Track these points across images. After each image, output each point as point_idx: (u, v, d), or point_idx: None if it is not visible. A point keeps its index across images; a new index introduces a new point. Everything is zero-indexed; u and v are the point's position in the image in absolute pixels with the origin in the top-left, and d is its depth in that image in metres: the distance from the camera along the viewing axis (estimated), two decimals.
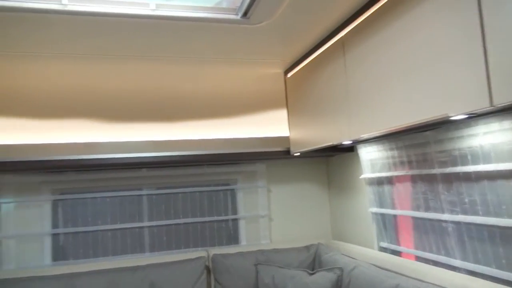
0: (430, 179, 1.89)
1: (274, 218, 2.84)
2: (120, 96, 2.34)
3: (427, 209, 1.92)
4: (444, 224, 1.81)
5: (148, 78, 2.40)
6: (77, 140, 2.23)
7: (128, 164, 2.40)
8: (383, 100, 1.56)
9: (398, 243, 2.18)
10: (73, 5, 1.55)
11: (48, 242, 2.45)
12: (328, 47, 2.04)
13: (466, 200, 1.68)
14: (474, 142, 1.62)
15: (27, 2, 1.50)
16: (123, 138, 2.32)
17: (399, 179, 2.12)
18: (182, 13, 1.69)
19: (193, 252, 2.53)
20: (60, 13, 1.57)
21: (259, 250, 2.53)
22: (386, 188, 2.22)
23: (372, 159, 2.33)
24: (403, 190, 2.09)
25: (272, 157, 2.61)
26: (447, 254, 1.82)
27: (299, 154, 2.52)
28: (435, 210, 1.86)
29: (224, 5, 1.74)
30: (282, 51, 2.26)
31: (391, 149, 2.13)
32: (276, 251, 2.53)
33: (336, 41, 1.95)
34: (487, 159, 1.56)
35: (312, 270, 2.44)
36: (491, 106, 1.06)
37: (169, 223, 2.66)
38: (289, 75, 2.57)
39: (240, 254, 2.49)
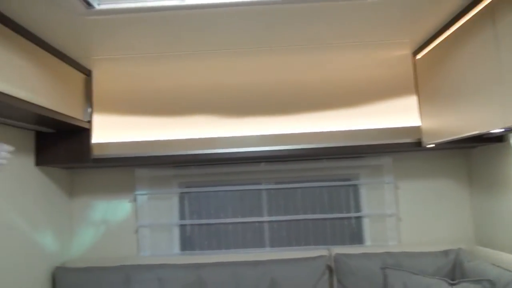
0: None
1: (403, 217, 2.55)
2: (241, 91, 2.34)
3: None
4: None
5: (266, 71, 2.35)
6: (201, 136, 2.30)
7: (248, 158, 2.39)
8: None
9: None
10: None
11: (176, 232, 2.60)
12: (470, 18, 1.70)
13: None
14: None
15: (147, 1, 1.55)
16: (243, 132, 2.31)
17: None
18: None
19: (313, 250, 2.41)
20: (179, 8, 1.59)
21: (386, 252, 2.29)
22: None
23: None
24: None
25: (399, 149, 2.34)
26: None
27: (433, 145, 2.19)
28: None
29: None
30: (409, 28, 1.97)
31: None
32: (406, 254, 2.26)
33: (482, 9, 1.61)
34: None
35: (452, 279, 2.11)
36: None
37: (288, 218, 2.59)
38: (418, 56, 2.26)
39: (365, 255, 2.29)
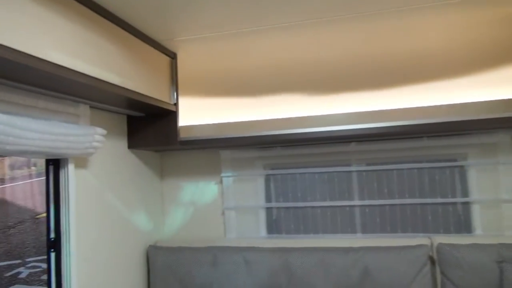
0: None
1: None
2: (328, 65, 2.17)
3: None
4: None
5: (354, 42, 2.14)
6: (286, 115, 2.19)
7: (336, 138, 2.22)
8: None
9: None
10: None
11: (262, 215, 2.54)
12: None
13: None
14: None
15: None
16: (330, 110, 2.15)
17: None
18: None
19: (412, 238, 2.18)
20: None
21: (502, 244, 1.97)
22: None
23: None
24: None
25: None
26: None
27: None
28: None
29: None
30: None
31: None
32: None
33: None
34: None
35: None
36: None
37: (382, 203, 2.37)
38: None
39: (475, 246, 2.00)
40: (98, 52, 1.61)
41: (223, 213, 2.57)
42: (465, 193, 2.28)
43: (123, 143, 2.27)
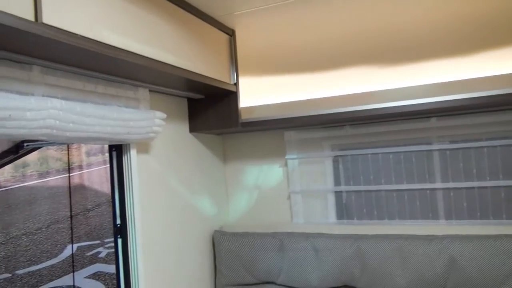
0: None
1: None
2: (400, 33, 1.93)
3: None
4: None
5: (429, 5, 1.86)
6: (356, 91, 1.99)
7: (413, 113, 1.98)
8: None
9: None
10: None
11: (331, 199, 2.37)
12: None
13: None
14: None
15: None
16: (405, 83, 1.91)
17: None
18: None
19: (508, 225, 1.90)
20: None
21: None
22: None
23: None
24: None
25: None
26: None
27: None
28: None
29: None
30: None
31: None
32: None
33: None
34: None
35: None
36: None
37: (470, 185, 2.08)
38: None
39: None
40: (153, 32, 1.53)
41: (289, 197, 2.45)
42: None
43: (184, 127, 2.22)
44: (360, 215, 2.33)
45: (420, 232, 2.00)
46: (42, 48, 1.17)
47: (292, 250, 2.14)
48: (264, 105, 2.16)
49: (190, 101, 2.26)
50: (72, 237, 7.83)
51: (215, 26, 2.03)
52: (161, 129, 1.79)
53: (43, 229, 8.22)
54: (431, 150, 2.16)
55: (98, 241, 7.62)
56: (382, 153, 2.26)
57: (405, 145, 2.20)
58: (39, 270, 6.47)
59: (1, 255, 6.96)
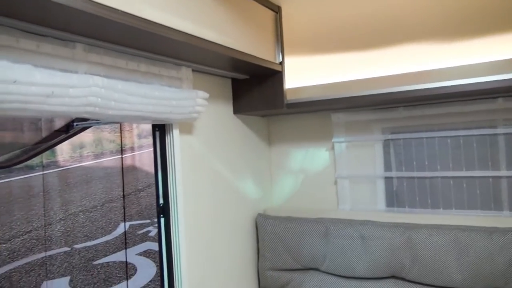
0: None
1: None
2: (457, 9, 1.74)
3: None
4: None
5: None
6: (410, 69, 1.84)
7: (475, 93, 1.80)
8: None
9: None
10: None
11: (381, 186, 2.24)
12: None
13: None
14: None
15: None
16: (467, 60, 1.73)
17: None
18: None
19: None
20: None
21: None
22: None
23: None
24: None
25: None
26: None
27: None
28: None
29: None
30: None
31: None
32: None
33: None
34: None
35: None
36: None
37: None
38: None
39: None
40: (195, 8, 1.48)
41: (335, 182, 2.35)
42: None
43: (228, 108, 2.18)
44: (412, 203, 2.18)
45: (480, 224, 1.84)
46: (85, 24, 1.16)
47: (337, 237, 2.06)
48: (311, 86, 2.06)
49: (235, 81, 2.20)
50: (124, 215, 8.22)
51: (260, 3, 1.95)
52: (204, 110, 1.76)
53: (98, 207, 8.70)
54: (495, 134, 1.96)
55: (148, 220, 7.93)
56: (439, 136, 2.09)
57: (465, 128, 2.01)
58: (94, 245, 6.86)
59: (61, 230, 7.45)
